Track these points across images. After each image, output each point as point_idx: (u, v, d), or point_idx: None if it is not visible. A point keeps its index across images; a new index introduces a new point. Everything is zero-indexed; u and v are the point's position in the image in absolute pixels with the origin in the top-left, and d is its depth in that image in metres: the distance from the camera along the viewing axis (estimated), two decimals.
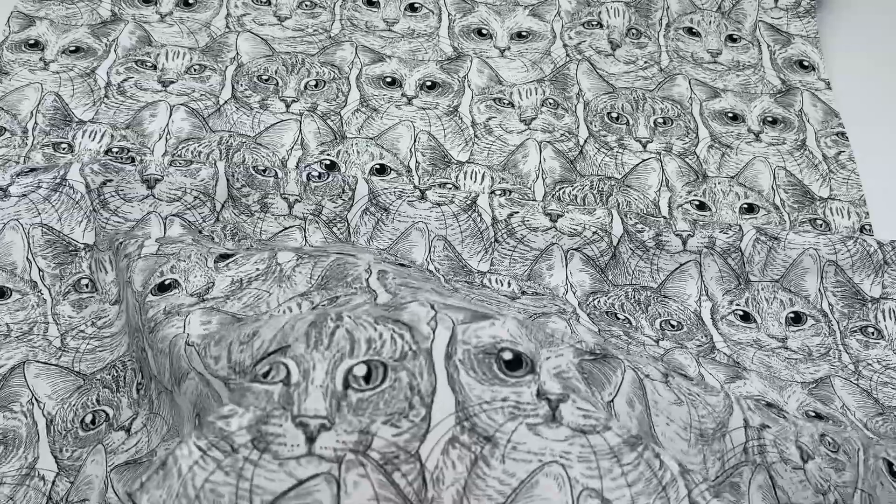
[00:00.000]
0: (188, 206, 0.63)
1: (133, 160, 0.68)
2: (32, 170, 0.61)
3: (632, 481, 0.41)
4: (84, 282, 0.61)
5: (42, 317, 0.59)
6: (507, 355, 0.43)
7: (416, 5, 0.84)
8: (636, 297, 0.64)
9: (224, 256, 0.56)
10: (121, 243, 0.59)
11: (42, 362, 0.57)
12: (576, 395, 0.42)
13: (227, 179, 0.65)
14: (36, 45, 0.77)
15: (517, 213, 0.65)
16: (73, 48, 0.77)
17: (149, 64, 0.77)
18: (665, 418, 0.47)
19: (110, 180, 0.62)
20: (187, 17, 0.82)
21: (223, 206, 0.65)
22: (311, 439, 0.40)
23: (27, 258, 0.60)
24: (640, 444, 0.42)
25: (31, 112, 0.72)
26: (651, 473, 0.42)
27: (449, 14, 0.84)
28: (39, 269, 0.60)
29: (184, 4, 0.82)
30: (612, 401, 0.45)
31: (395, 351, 0.42)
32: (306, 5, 0.83)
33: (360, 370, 0.42)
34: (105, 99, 0.74)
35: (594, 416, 0.42)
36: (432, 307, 0.45)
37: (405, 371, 0.42)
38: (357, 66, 0.79)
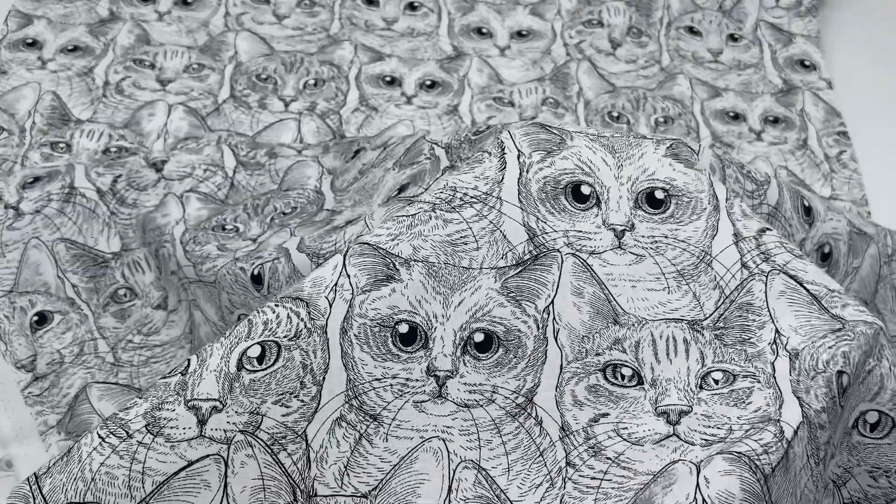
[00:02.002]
0: (201, 180, 0.63)
1: (133, 154, 0.68)
2: (36, 179, 0.61)
3: (510, 449, 0.44)
4: (121, 292, 0.60)
5: (89, 334, 0.58)
6: (403, 328, 0.44)
7: (416, 4, 0.84)
8: None
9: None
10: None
11: (102, 382, 0.57)
12: (468, 368, 0.44)
13: (232, 150, 0.65)
14: (34, 44, 0.77)
15: None
16: (71, 47, 0.77)
17: (147, 63, 0.77)
18: (629, 283, 0.47)
19: (119, 175, 0.62)
20: (186, 15, 0.82)
21: (235, 170, 0.64)
22: (202, 422, 0.41)
23: (58, 276, 0.59)
24: (521, 415, 0.44)
25: (29, 111, 0.72)
26: (530, 440, 0.44)
27: (449, 13, 0.84)
28: (73, 285, 0.60)
29: (182, 3, 0.82)
30: (552, 303, 0.46)
31: (291, 329, 0.43)
32: (305, 4, 0.83)
33: (255, 351, 0.42)
34: (103, 98, 0.74)
35: (480, 391, 0.44)
36: (343, 263, 0.45)
37: (298, 350, 0.42)
38: (356, 65, 0.79)
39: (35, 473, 0.41)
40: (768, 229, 0.48)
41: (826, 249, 0.55)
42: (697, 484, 0.41)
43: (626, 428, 0.44)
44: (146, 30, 0.80)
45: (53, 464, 0.41)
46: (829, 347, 0.44)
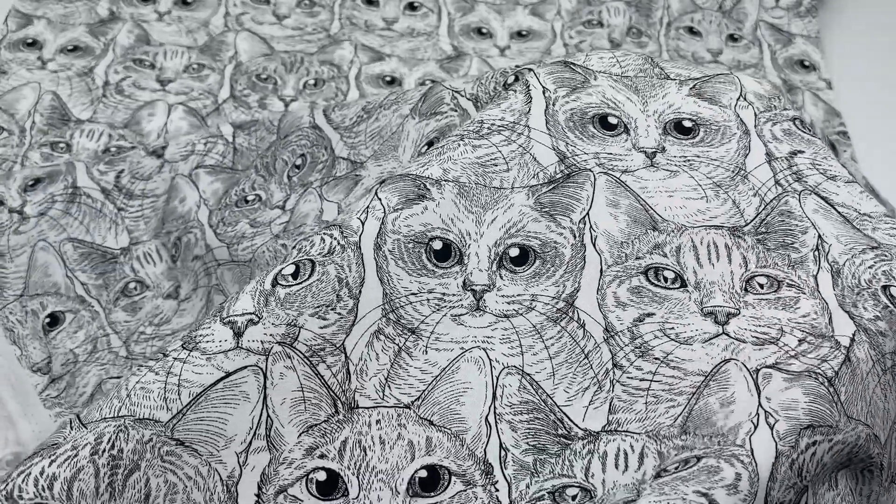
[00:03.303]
0: (204, 153, 0.63)
1: (132, 147, 0.68)
2: (36, 181, 0.61)
3: (554, 353, 0.43)
4: (132, 285, 0.60)
5: (101, 330, 0.58)
6: (437, 245, 0.44)
7: (416, 4, 0.84)
8: None
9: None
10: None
11: (116, 377, 0.56)
12: (504, 281, 0.44)
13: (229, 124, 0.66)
14: (34, 44, 0.77)
15: None
16: (70, 47, 0.77)
17: (147, 63, 0.77)
18: (665, 194, 0.47)
19: (122, 171, 0.62)
20: (186, 15, 0.81)
21: (234, 135, 0.64)
22: (238, 334, 0.41)
23: (67, 276, 0.59)
24: (563, 318, 0.43)
25: (29, 111, 0.72)
26: (573, 343, 0.43)
27: (449, 13, 0.84)
28: (82, 284, 0.59)
29: (182, 3, 0.82)
30: (588, 214, 0.46)
31: (324, 248, 0.43)
32: (305, 4, 0.83)
33: (289, 269, 0.43)
34: (103, 98, 0.74)
35: (518, 301, 0.44)
36: (375, 191, 0.45)
37: (333, 265, 0.43)
38: (356, 65, 0.79)
39: (77, 414, 0.41)
40: (800, 151, 0.48)
41: None
42: (759, 402, 0.40)
43: (673, 328, 0.43)
44: (146, 30, 0.80)
45: (98, 399, 0.41)
46: (869, 267, 0.44)
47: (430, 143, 0.53)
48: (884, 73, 0.84)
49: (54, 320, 0.58)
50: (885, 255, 0.45)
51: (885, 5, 0.90)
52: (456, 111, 0.54)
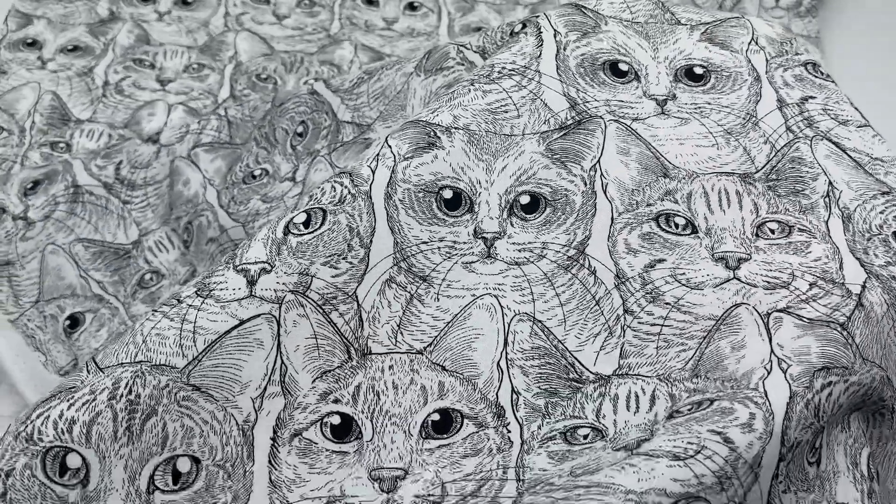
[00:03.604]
0: (199, 132, 0.63)
1: (127, 139, 0.68)
2: (35, 183, 0.60)
3: (565, 300, 0.44)
4: (147, 276, 0.60)
5: (122, 325, 0.58)
6: (448, 193, 0.45)
7: (416, 4, 0.84)
8: None
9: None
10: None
11: None
12: (515, 229, 0.44)
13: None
14: (34, 44, 0.77)
15: None
16: (70, 47, 0.77)
17: (147, 63, 0.77)
18: (675, 142, 0.47)
19: (120, 162, 0.61)
20: (186, 15, 0.82)
21: (226, 109, 0.65)
22: (251, 282, 0.42)
23: (81, 276, 0.59)
24: (574, 266, 0.44)
25: (29, 111, 0.72)
26: (584, 290, 0.44)
27: (449, 13, 0.84)
28: (98, 282, 0.60)
29: (182, 3, 0.82)
30: (599, 161, 0.46)
31: (335, 196, 0.44)
32: (305, 4, 0.83)
33: (300, 218, 0.43)
34: (103, 98, 0.74)
35: (529, 248, 0.44)
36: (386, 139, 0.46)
37: (344, 214, 0.43)
38: (356, 65, 0.79)
39: (93, 357, 0.42)
40: (812, 97, 0.49)
41: None
42: (771, 349, 0.41)
43: (684, 273, 0.44)
44: (146, 30, 0.80)
45: (110, 342, 0.42)
46: (881, 212, 0.45)
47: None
48: (884, 73, 0.84)
49: (74, 322, 0.58)
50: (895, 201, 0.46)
51: (885, 5, 0.90)
52: (463, 65, 0.54)
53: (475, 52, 0.54)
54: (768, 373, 0.40)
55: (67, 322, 0.58)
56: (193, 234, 0.60)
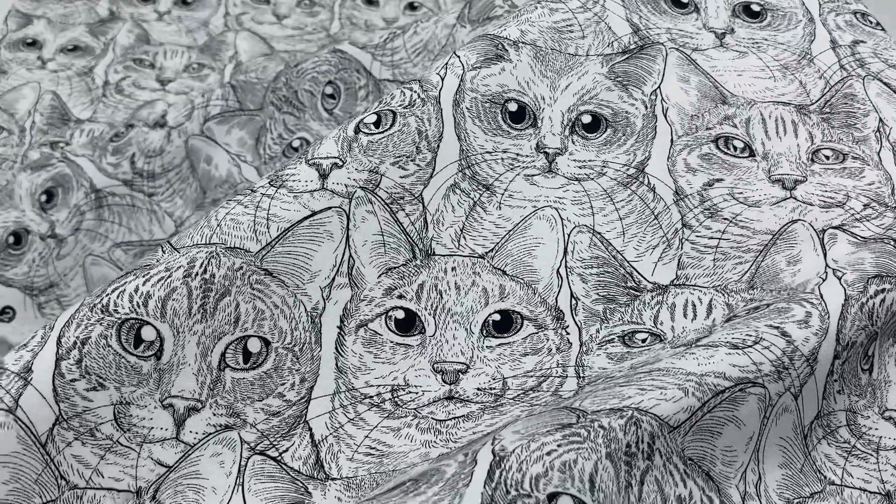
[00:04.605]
0: (205, 105, 0.63)
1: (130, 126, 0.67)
2: (49, 195, 0.59)
3: (624, 215, 0.46)
4: None
5: None
6: (513, 106, 0.47)
7: (416, 4, 0.84)
8: None
9: None
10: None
11: None
12: (576, 146, 0.46)
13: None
14: (34, 44, 0.77)
15: None
16: (71, 47, 0.77)
17: (147, 62, 0.77)
18: (734, 73, 0.49)
19: (133, 154, 0.61)
20: (186, 15, 0.82)
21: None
22: (323, 176, 0.43)
23: None
24: (633, 183, 0.46)
25: (29, 111, 0.72)
26: (643, 206, 0.46)
27: (449, 13, 0.84)
28: None
29: (182, 3, 0.82)
30: (659, 87, 0.48)
31: (405, 100, 0.45)
32: (305, 4, 0.84)
33: (371, 118, 0.45)
34: (103, 98, 0.74)
35: (590, 166, 0.46)
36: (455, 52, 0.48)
37: (413, 117, 0.45)
38: None
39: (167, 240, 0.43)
40: (862, 41, 0.51)
41: None
42: (826, 263, 0.43)
43: (742, 192, 0.46)
44: (146, 29, 0.80)
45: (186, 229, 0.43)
46: None
47: None
48: None
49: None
50: None
51: (885, 5, 0.90)
52: (511, 12, 0.56)
53: None
54: (823, 280, 0.42)
55: None
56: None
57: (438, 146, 0.45)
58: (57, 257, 0.58)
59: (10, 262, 0.56)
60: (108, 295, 0.40)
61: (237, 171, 0.61)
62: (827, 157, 0.46)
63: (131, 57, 0.78)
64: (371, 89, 0.60)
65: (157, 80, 0.76)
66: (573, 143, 0.46)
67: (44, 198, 0.59)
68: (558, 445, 0.34)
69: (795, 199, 0.45)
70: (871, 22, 0.53)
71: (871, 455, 0.40)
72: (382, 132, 0.44)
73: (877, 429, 0.40)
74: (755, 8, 0.51)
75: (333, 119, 0.60)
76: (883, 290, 0.41)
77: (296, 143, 0.61)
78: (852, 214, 0.44)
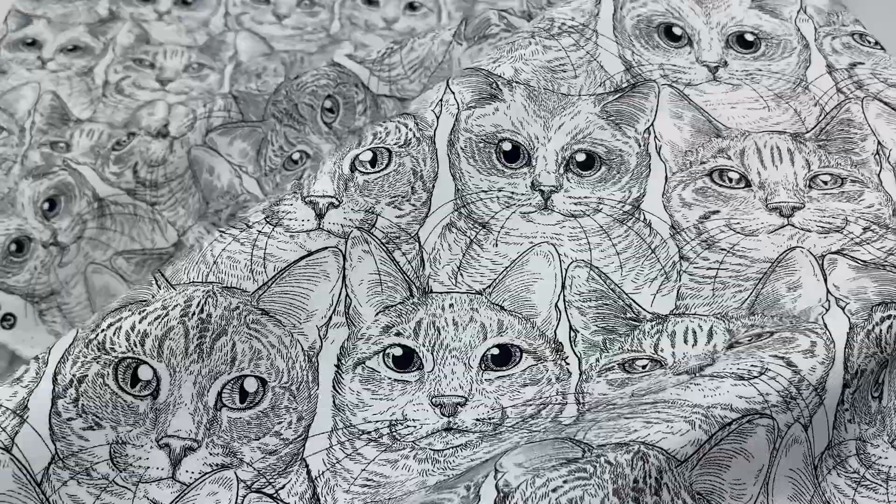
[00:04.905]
0: (208, 115, 0.63)
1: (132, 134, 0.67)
2: (51, 203, 0.59)
3: (621, 250, 0.46)
4: None
5: None
6: (507, 146, 0.47)
7: (416, 4, 0.84)
8: None
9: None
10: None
11: None
12: (571, 184, 0.47)
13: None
14: (34, 44, 0.77)
15: None
16: (70, 47, 0.77)
17: (147, 62, 0.77)
18: (727, 106, 0.49)
19: (136, 164, 0.61)
20: (186, 15, 0.82)
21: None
22: (320, 215, 0.44)
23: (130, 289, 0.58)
24: (629, 219, 0.46)
25: (29, 111, 0.72)
26: (640, 241, 0.46)
27: (449, 13, 0.84)
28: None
29: (182, 3, 0.82)
30: (652, 125, 0.48)
31: (400, 138, 0.46)
32: (305, 4, 0.83)
33: (366, 156, 0.45)
34: (103, 98, 0.74)
35: (585, 203, 0.46)
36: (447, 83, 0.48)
37: (409, 157, 0.45)
38: None
39: (159, 270, 0.43)
40: (860, 63, 0.51)
41: None
42: (827, 289, 0.43)
43: (739, 222, 0.46)
44: (146, 29, 0.80)
45: (177, 258, 0.43)
46: None
47: None
48: None
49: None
50: None
51: (885, 5, 0.90)
52: (508, 31, 0.56)
53: (520, 16, 0.56)
54: (826, 310, 0.42)
55: None
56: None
57: (434, 186, 0.45)
58: (59, 265, 0.58)
59: (11, 269, 0.56)
60: (103, 331, 0.40)
61: (238, 182, 0.61)
62: (825, 183, 0.46)
63: (131, 57, 0.77)
64: (369, 104, 0.60)
65: (157, 80, 0.76)
66: (568, 180, 0.46)
67: (46, 206, 0.59)
68: (564, 482, 0.34)
69: (793, 225, 0.45)
70: (869, 42, 0.52)
71: (881, 486, 0.40)
72: (378, 171, 0.45)
73: (886, 458, 0.40)
74: (749, 38, 0.51)
75: (332, 133, 0.60)
76: (889, 317, 0.41)
77: (296, 156, 0.61)
78: (852, 239, 0.44)
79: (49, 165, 0.62)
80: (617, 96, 0.48)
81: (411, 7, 0.84)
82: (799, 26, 0.52)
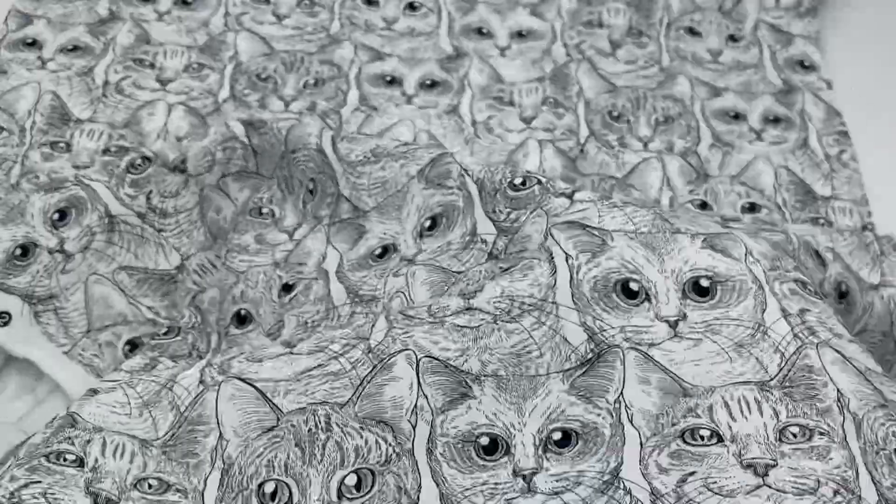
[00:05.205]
0: (226, 162, 0.63)
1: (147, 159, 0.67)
2: (61, 214, 0.59)
3: None
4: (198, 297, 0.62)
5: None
6: (484, 440, 0.47)
7: (416, 4, 0.84)
8: (602, 187, 0.72)
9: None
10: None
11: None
12: (550, 463, 0.46)
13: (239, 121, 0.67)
14: (34, 44, 0.77)
15: None
16: (70, 47, 0.77)
17: (147, 62, 0.77)
18: (691, 363, 0.49)
19: (150, 192, 0.61)
20: (186, 15, 0.82)
21: (248, 134, 0.65)
22: None
23: (130, 303, 0.59)
24: (609, 489, 0.46)
25: (29, 111, 0.72)
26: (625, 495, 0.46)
27: (449, 13, 0.84)
28: (149, 307, 0.60)
29: (182, 3, 0.82)
30: (621, 395, 0.48)
31: (381, 455, 0.46)
32: (305, 4, 0.83)
33: (351, 480, 0.46)
34: (103, 98, 0.74)
35: (566, 478, 0.46)
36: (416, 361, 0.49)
37: (392, 474, 0.46)
38: (356, 65, 0.79)
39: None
40: (808, 310, 0.50)
41: (843, 288, 0.58)
42: None
43: (716, 482, 0.45)
44: (146, 29, 0.80)
45: None
46: (882, 424, 0.46)
47: (433, 221, 0.58)
48: (884, 73, 0.84)
49: (134, 346, 0.58)
50: (892, 415, 0.46)
51: (885, 5, 0.90)
52: (461, 191, 0.57)
53: (475, 182, 0.57)
54: None
55: (127, 347, 0.58)
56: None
57: (419, 497, 0.46)
58: (62, 271, 0.58)
59: (14, 272, 0.57)
60: None
61: (228, 218, 0.63)
62: (794, 435, 0.46)
63: (131, 57, 0.78)
64: (334, 201, 0.61)
65: (158, 80, 0.76)
66: (547, 459, 0.46)
67: (56, 216, 0.59)
68: None
69: (769, 486, 0.44)
70: (810, 290, 0.52)
71: None
72: (363, 495, 0.45)
73: None
74: (704, 283, 0.50)
75: (304, 212, 0.63)
76: None
77: (265, 210, 0.63)
78: (825, 503, 0.44)
79: (62, 180, 0.62)
80: (584, 370, 0.48)
81: (411, 7, 0.84)
82: (751, 268, 0.51)
